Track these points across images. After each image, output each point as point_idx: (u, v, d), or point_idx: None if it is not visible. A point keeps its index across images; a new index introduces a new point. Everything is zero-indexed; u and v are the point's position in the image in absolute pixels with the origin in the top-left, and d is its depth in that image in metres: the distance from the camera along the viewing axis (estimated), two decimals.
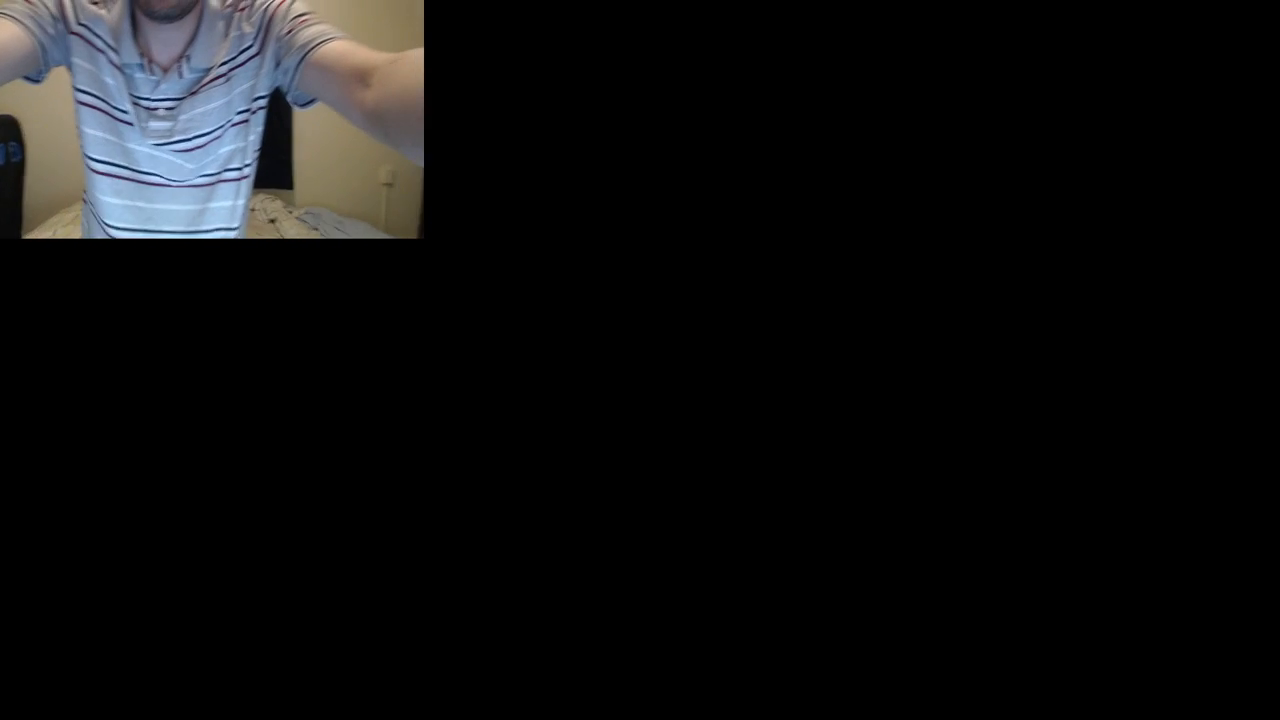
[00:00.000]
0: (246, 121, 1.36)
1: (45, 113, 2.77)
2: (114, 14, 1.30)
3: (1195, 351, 1.65)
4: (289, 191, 3.17)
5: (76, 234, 2.39)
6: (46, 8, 1.29)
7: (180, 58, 1.29)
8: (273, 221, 2.96)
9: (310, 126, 3.04)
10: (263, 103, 1.33)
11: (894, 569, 1.64)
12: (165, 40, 1.29)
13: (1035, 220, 1.64)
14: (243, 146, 1.38)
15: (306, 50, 1.25)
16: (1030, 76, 1.64)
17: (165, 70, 1.29)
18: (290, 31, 1.28)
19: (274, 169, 3.10)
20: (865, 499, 1.64)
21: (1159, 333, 1.65)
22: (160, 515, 1.58)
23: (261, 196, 3.10)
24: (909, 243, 1.64)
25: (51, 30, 1.30)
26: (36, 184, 2.65)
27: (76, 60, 1.32)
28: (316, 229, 2.85)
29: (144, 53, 1.29)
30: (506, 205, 1.58)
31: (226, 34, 1.30)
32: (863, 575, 1.64)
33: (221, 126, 1.36)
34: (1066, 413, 1.65)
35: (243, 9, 1.31)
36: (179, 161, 1.38)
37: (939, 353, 1.65)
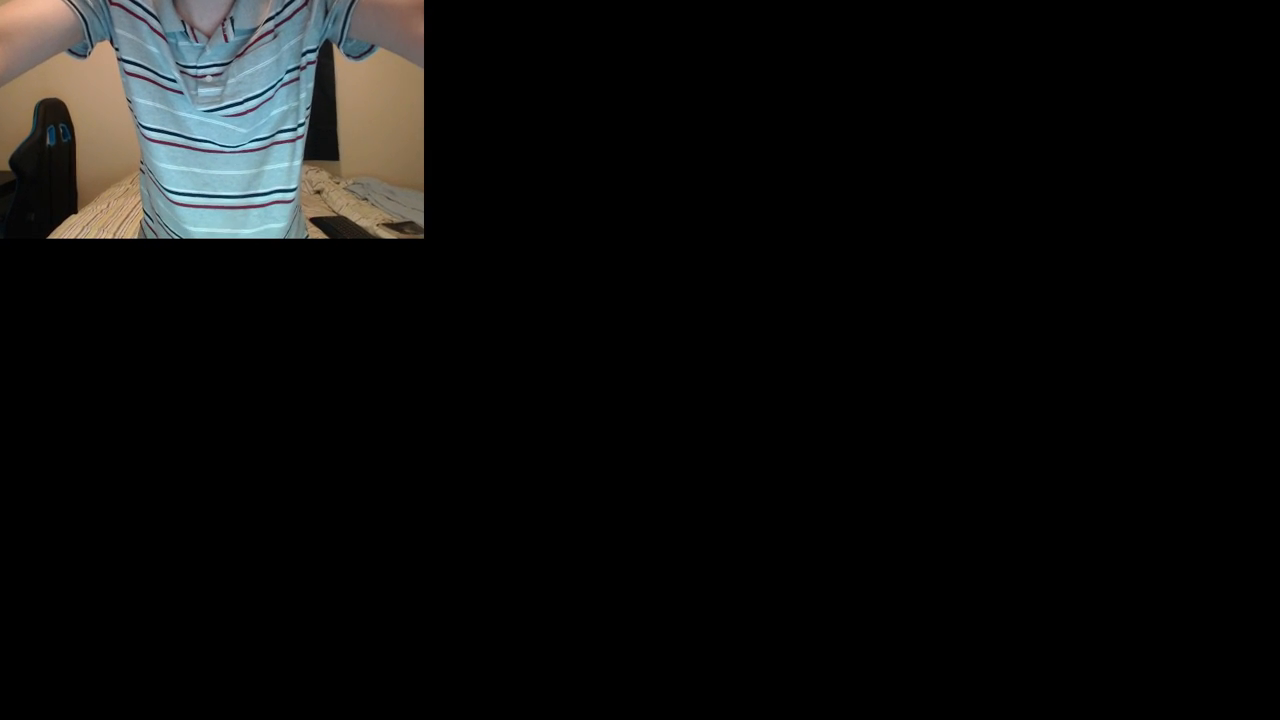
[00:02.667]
0: (297, 80, 1.34)
1: (91, 94, 2.79)
2: None
3: (1195, 351, 1.62)
4: (334, 163, 3.17)
5: (130, 207, 2.41)
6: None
7: (223, 21, 1.26)
8: (319, 193, 2.96)
9: (355, 95, 3.03)
10: (312, 57, 1.30)
11: (894, 569, 1.63)
12: (206, 5, 1.26)
13: (1035, 220, 1.62)
14: (295, 106, 1.36)
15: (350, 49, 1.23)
16: (1030, 76, 1.61)
17: (209, 36, 1.27)
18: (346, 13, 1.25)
19: (318, 140, 3.10)
20: (865, 499, 1.63)
21: (1159, 333, 1.62)
22: (159, 514, 1.59)
23: (306, 168, 3.10)
24: (909, 243, 1.62)
25: (92, 2, 1.28)
26: (87, 162, 2.68)
27: (119, 31, 1.30)
28: (366, 199, 2.85)
29: (185, 19, 1.27)
30: (506, 205, 1.58)
31: None
32: (863, 575, 1.63)
33: (272, 87, 1.34)
34: (1067, 413, 1.63)
35: None
36: (230, 127, 1.36)
37: (939, 353, 1.63)
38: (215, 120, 1.36)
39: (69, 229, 2.32)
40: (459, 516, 1.63)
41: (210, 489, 1.61)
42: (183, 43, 1.29)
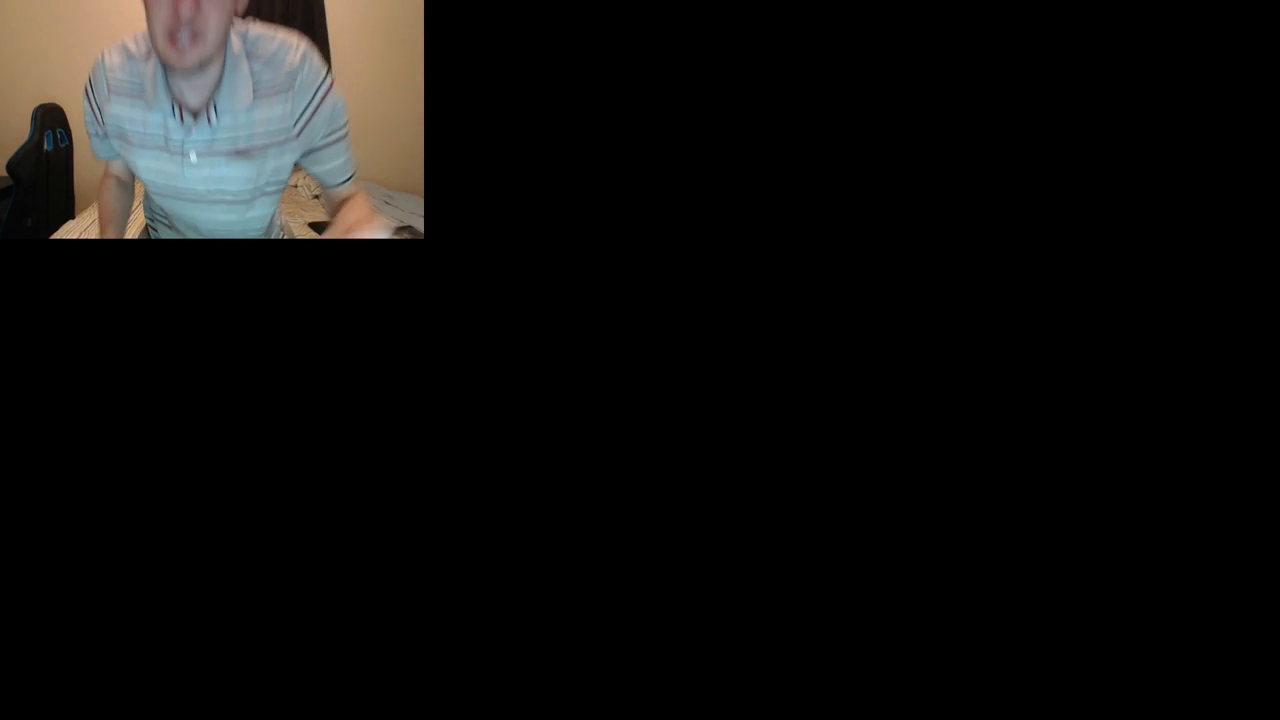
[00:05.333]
0: (276, 193, 1.42)
1: None
2: (150, 65, 1.33)
3: (1195, 351, 1.62)
4: None
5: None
6: (96, 115, 1.36)
7: (207, 104, 1.31)
8: (317, 197, 2.95)
9: (353, 99, 3.03)
10: (286, 176, 1.37)
11: (894, 569, 1.63)
12: (193, 87, 1.31)
13: (1035, 220, 1.62)
14: (269, 212, 1.40)
15: (327, 186, 1.37)
16: (1030, 76, 1.61)
17: (195, 116, 1.32)
18: (326, 144, 1.33)
19: None
20: (865, 499, 1.63)
21: (1159, 333, 1.62)
22: (159, 515, 1.59)
23: (304, 173, 3.09)
24: (909, 243, 1.62)
25: (116, 145, 1.41)
26: (85, 168, 2.67)
27: (122, 126, 1.38)
28: None
29: (176, 99, 1.32)
30: (506, 205, 1.58)
31: (251, 72, 1.30)
32: (863, 575, 1.63)
33: (249, 191, 1.38)
34: (1067, 413, 1.63)
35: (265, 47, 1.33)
36: (213, 215, 1.43)
37: (939, 353, 1.63)
38: (195, 208, 1.43)
39: (67, 235, 2.31)
40: (459, 515, 1.62)
41: (210, 488, 1.61)
42: (171, 120, 1.34)
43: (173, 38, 1.18)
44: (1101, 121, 1.63)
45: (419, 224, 2.44)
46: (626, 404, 1.61)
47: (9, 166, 2.33)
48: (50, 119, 2.49)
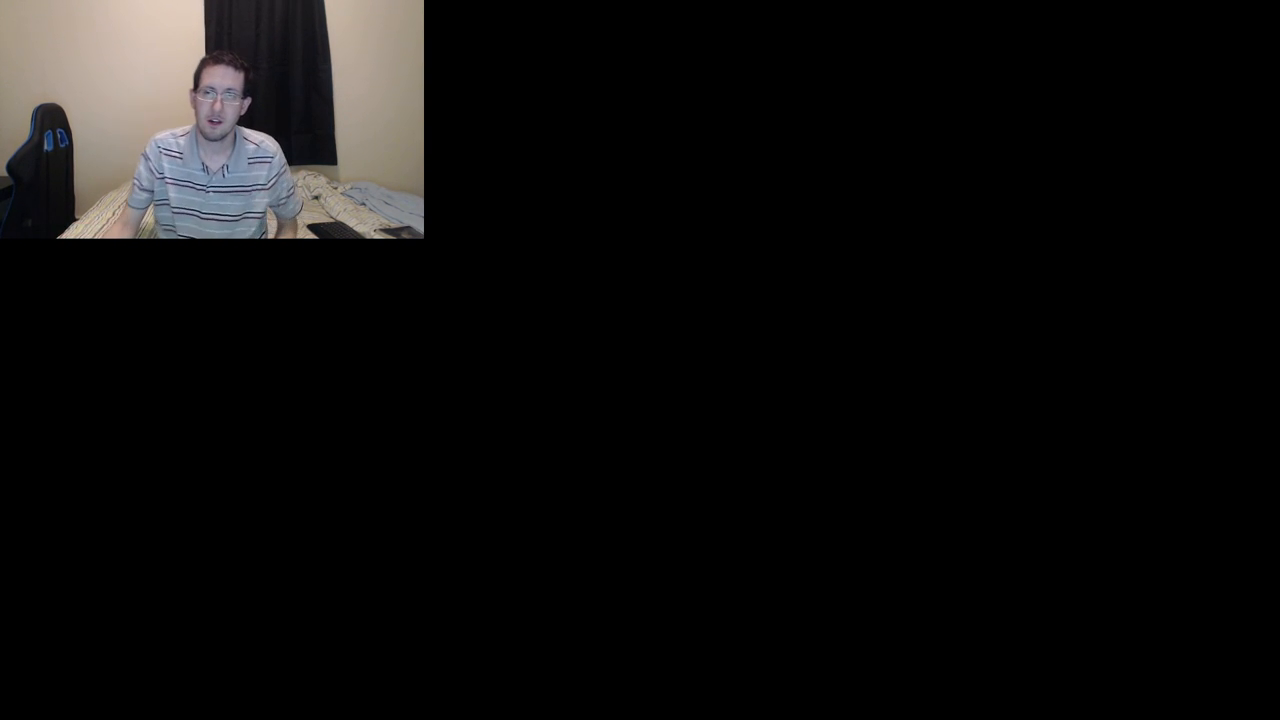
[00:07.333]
0: (258, 218, 2.14)
1: (89, 100, 2.79)
2: (190, 139, 2.11)
3: (1196, 352, 1.62)
4: (333, 167, 3.17)
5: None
6: (150, 173, 2.09)
7: (223, 166, 2.09)
8: (316, 198, 2.96)
9: (353, 100, 3.03)
10: (262, 209, 2.14)
11: (894, 569, 1.63)
12: (213, 152, 2.09)
13: (1035, 220, 1.62)
14: (250, 231, 2.12)
15: (282, 216, 2.22)
16: (1030, 76, 1.61)
17: (213, 173, 2.09)
18: (287, 196, 2.19)
19: (317, 145, 3.10)
20: (865, 499, 1.63)
21: (1159, 333, 1.62)
22: (160, 513, 1.59)
23: (304, 173, 3.10)
24: (906, 243, 1.63)
25: (155, 187, 2.11)
26: (84, 167, 2.68)
27: (169, 176, 2.12)
28: (364, 204, 2.85)
29: (204, 161, 2.09)
30: (505, 205, 1.59)
31: (246, 151, 2.12)
32: (863, 575, 1.63)
33: (237, 216, 2.12)
34: (1067, 413, 1.63)
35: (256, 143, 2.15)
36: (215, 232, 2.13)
37: (939, 353, 1.63)
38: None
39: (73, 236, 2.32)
40: (458, 514, 1.62)
41: (209, 486, 1.61)
42: (199, 174, 2.09)
43: (209, 122, 2.06)
44: (1101, 122, 1.63)
45: (419, 224, 2.44)
46: (624, 402, 1.62)
47: (9, 166, 2.33)
48: (50, 119, 2.50)
